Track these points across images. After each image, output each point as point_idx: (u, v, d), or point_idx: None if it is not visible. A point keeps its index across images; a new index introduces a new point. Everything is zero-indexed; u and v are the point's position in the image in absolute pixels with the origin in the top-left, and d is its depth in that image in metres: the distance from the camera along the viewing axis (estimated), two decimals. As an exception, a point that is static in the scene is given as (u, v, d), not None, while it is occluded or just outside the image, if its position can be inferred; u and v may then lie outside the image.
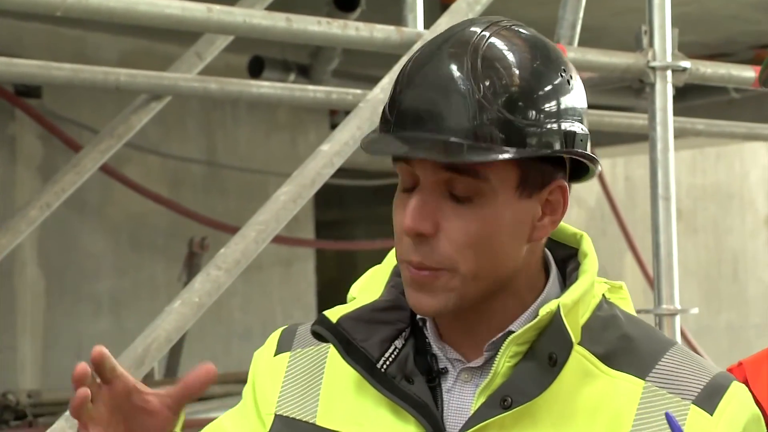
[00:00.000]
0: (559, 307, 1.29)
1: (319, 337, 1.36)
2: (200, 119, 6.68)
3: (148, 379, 4.93)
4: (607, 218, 8.34)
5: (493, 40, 1.31)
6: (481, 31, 1.31)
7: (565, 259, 1.39)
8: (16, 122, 5.96)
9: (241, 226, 3.02)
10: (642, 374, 1.32)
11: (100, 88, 3.93)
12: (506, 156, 1.27)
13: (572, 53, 3.56)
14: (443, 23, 3.25)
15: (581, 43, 3.71)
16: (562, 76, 1.32)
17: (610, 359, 1.33)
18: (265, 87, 4.15)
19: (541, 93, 1.29)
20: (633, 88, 3.76)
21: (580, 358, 1.32)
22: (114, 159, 4.19)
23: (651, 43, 3.59)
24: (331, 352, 1.39)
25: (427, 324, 1.37)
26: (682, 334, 3.62)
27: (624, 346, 1.34)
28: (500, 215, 1.30)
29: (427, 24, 3.58)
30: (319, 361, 1.40)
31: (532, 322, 1.30)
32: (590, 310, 1.35)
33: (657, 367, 1.33)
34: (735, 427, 1.31)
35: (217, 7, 2.91)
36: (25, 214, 3.89)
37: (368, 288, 1.40)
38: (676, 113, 3.65)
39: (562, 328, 1.28)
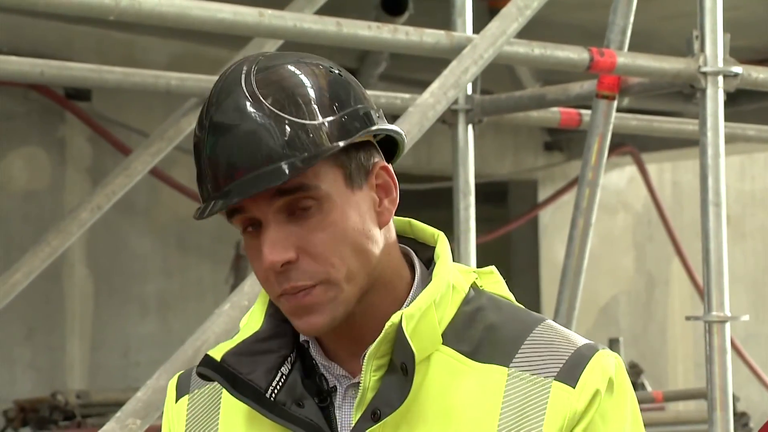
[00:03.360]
0: (401, 318, 1.33)
1: (206, 377, 1.39)
2: (247, 122, 6.70)
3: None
4: (654, 224, 8.28)
5: (257, 70, 1.34)
6: (245, 69, 1.34)
7: (431, 259, 1.42)
8: (66, 125, 6.01)
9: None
10: (506, 362, 1.36)
11: (149, 92, 3.95)
12: (327, 152, 1.31)
13: (622, 58, 3.54)
14: (493, 27, 3.24)
15: (631, 48, 3.69)
16: (331, 72, 1.36)
17: (476, 354, 1.36)
18: (313, 91, 4.15)
19: (320, 91, 1.33)
20: (683, 93, 3.73)
21: (446, 358, 1.36)
22: (161, 161, 4.21)
23: (702, 48, 3.56)
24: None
25: (311, 344, 1.39)
26: (731, 341, 3.59)
27: (489, 337, 1.37)
28: (345, 214, 1.33)
29: (476, 28, 3.57)
30: (215, 399, 1.43)
31: (380, 337, 1.33)
32: (456, 306, 1.38)
33: (520, 351, 1.36)
34: (599, 387, 1.34)
35: (268, 12, 2.92)
36: (76, 216, 3.92)
37: (249, 321, 1.43)
38: (726, 118, 3.62)
39: (404, 341, 1.32)
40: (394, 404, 1.32)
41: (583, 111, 4.34)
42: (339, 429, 1.36)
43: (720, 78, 3.56)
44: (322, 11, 3.67)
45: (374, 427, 1.33)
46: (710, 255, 3.50)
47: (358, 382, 1.36)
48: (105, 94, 5.91)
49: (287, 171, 1.30)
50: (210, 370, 1.37)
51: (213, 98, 1.34)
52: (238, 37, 3.41)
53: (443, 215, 4.28)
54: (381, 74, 6.02)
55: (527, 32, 3.39)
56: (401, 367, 1.33)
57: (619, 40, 3.66)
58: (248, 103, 1.31)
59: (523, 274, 7.96)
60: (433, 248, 1.42)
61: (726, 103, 3.61)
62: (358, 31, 3.07)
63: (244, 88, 1.32)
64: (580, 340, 1.38)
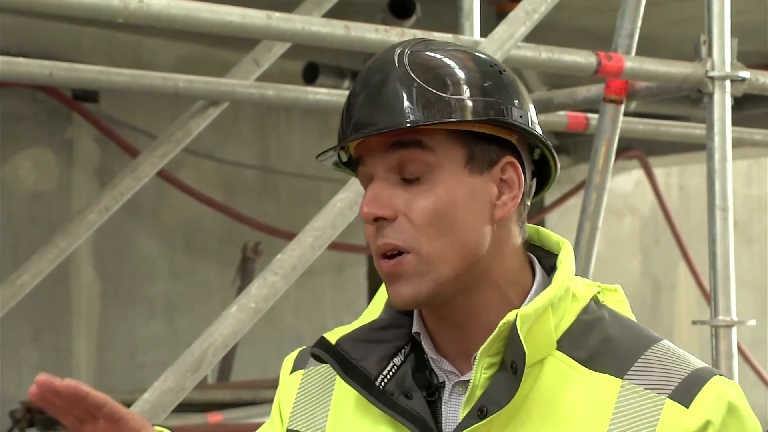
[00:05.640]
0: (516, 317, 1.32)
1: (319, 359, 1.40)
2: (254, 125, 6.72)
3: (201, 384, 4.96)
4: (660, 227, 8.28)
5: (416, 48, 1.38)
6: (398, 49, 1.38)
7: (554, 267, 1.41)
8: (74, 126, 6.03)
9: (293, 231, 3.03)
10: (620, 373, 1.34)
11: (157, 94, 3.96)
12: (448, 120, 1.33)
13: (630, 62, 3.54)
14: (500, 31, 3.24)
15: (638, 52, 3.69)
16: (491, 66, 1.38)
17: (590, 362, 1.35)
18: (321, 93, 4.17)
19: (467, 74, 1.36)
20: (690, 98, 3.73)
21: (559, 363, 1.36)
22: (169, 163, 4.22)
23: (710, 53, 3.56)
24: None
25: (423, 337, 1.40)
26: (737, 346, 3.59)
27: (605, 347, 1.36)
28: (453, 191, 1.34)
29: (484, 32, 3.58)
30: (330, 378, 1.44)
31: (493, 334, 1.33)
32: (575, 315, 1.38)
33: (636, 365, 1.35)
34: (712, 418, 1.31)
35: (276, 14, 2.92)
36: (84, 217, 3.93)
37: (369, 310, 1.44)
38: (733, 123, 3.62)
39: (517, 340, 1.31)
40: (500, 403, 1.32)
41: (591, 115, 4.34)
42: (444, 424, 1.36)
43: (727, 82, 3.56)
44: (329, 14, 3.67)
45: (479, 424, 1.33)
46: (717, 259, 3.50)
47: (466, 380, 1.36)
48: (113, 96, 5.92)
49: (406, 122, 1.33)
50: (323, 351, 1.39)
51: (367, 67, 1.39)
52: (246, 39, 3.41)
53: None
54: (388, 77, 6.02)
55: (535, 36, 3.39)
56: (511, 366, 1.32)
57: (626, 45, 3.66)
58: (396, 71, 1.35)
59: (529, 277, 7.95)
60: (557, 256, 1.41)
61: (733, 108, 3.61)
62: (366, 35, 3.07)
63: (396, 61, 1.36)
64: (699, 363, 1.36)
